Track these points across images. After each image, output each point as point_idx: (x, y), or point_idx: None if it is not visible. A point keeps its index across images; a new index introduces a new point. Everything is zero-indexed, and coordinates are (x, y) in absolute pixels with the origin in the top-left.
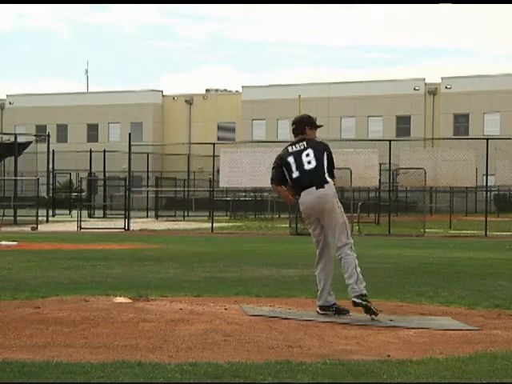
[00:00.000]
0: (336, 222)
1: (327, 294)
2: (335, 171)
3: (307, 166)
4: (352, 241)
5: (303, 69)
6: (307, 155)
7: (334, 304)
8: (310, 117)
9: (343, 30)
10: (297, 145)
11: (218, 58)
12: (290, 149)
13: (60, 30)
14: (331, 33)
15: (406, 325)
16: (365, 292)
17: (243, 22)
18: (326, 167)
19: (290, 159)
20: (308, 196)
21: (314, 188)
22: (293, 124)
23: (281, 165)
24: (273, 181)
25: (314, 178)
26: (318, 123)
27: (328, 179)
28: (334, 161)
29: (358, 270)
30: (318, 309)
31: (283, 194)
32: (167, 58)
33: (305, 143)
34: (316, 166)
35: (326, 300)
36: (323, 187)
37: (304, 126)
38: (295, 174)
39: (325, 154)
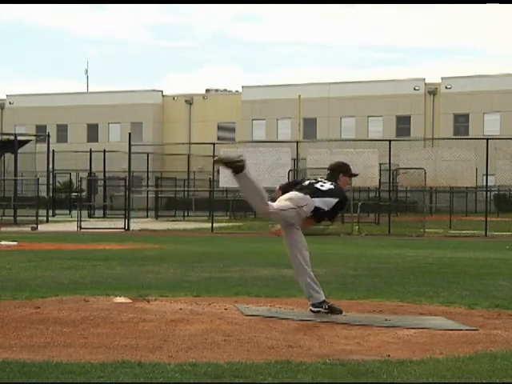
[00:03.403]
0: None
1: (313, 291)
2: None
3: (317, 186)
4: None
5: (304, 69)
6: (325, 185)
7: (325, 300)
8: (345, 164)
9: (343, 30)
10: (324, 180)
11: (219, 57)
12: (318, 178)
13: (60, 30)
14: (331, 33)
15: (401, 324)
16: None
17: (244, 21)
18: (324, 198)
19: (312, 180)
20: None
21: (301, 193)
22: (328, 169)
23: (299, 181)
24: (279, 186)
25: (310, 192)
26: (353, 172)
27: (315, 200)
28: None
29: None
30: (310, 307)
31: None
32: (168, 57)
33: (334, 183)
34: (321, 190)
35: (315, 298)
36: (306, 195)
37: (339, 172)
38: (303, 183)
39: (338, 199)
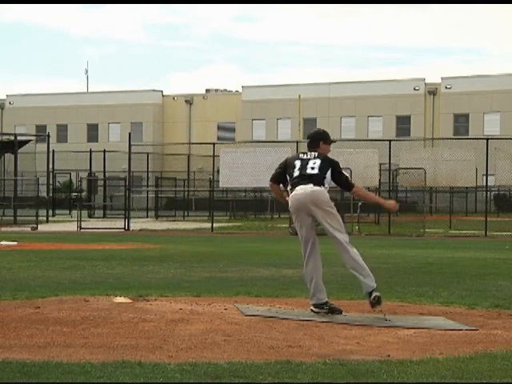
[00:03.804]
0: (333, 214)
1: (319, 291)
2: None
3: (309, 171)
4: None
5: (304, 69)
6: (314, 163)
7: (327, 302)
8: (325, 132)
9: (343, 30)
10: (308, 154)
11: (219, 57)
12: (300, 155)
13: (60, 30)
14: (331, 33)
15: (401, 324)
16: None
17: (244, 21)
18: (326, 179)
19: (297, 162)
20: (302, 190)
21: (311, 185)
22: (308, 138)
23: (284, 167)
24: (271, 179)
25: (312, 180)
26: (332, 138)
27: (324, 186)
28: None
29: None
30: (311, 307)
31: (276, 192)
32: (168, 57)
33: (315, 154)
34: (317, 174)
35: (319, 298)
36: (319, 186)
37: (318, 140)
38: (296, 173)
39: (330, 168)
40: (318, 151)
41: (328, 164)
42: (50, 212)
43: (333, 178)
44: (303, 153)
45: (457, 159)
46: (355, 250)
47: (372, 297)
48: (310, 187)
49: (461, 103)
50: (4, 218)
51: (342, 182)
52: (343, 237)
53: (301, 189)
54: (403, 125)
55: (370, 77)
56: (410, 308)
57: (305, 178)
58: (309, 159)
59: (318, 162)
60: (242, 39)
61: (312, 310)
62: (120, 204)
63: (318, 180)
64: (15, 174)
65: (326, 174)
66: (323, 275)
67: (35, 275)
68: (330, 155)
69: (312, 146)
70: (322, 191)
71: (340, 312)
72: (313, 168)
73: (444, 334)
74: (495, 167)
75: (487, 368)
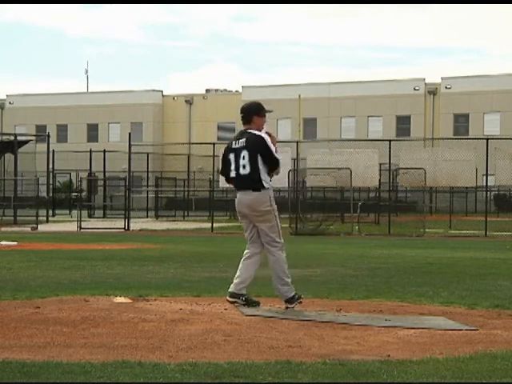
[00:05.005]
0: (269, 223)
1: (241, 283)
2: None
3: (242, 171)
4: (282, 241)
5: (304, 69)
6: (243, 158)
7: (244, 294)
8: (258, 104)
9: (343, 30)
10: (239, 141)
11: (219, 57)
12: (233, 143)
13: (60, 30)
14: (331, 33)
15: (401, 324)
16: (292, 295)
17: (244, 21)
18: (260, 170)
19: (231, 156)
20: (244, 196)
21: (251, 190)
22: (241, 113)
23: (225, 162)
24: (226, 177)
25: (249, 184)
26: (268, 109)
27: (265, 184)
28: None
29: (286, 271)
30: (227, 296)
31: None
32: (168, 57)
33: (244, 141)
34: (250, 173)
35: (238, 288)
36: (259, 191)
37: (252, 114)
38: (233, 174)
39: (259, 156)
40: (252, 127)
41: (255, 152)
42: (50, 212)
43: (264, 162)
44: (236, 138)
45: (457, 159)
46: (284, 256)
47: (285, 306)
48: (248, 195)
49: (461, 103)
50: (4, 217)
51: (272, 164)
52: (276, 243)
53: (241, 194)
54: (403, 125)
55: (370, 77)
56: (409, 308)
57: (241, 182)
58: (240, 150)
59: (247, 155)
60: (241, 39)
61: (227, 300)
62: (120, 204)
63: (254, 183)
64: (15, 174)
65: (258, 169)
66: (323, 275)
67: (35, 275)
68: (328, 151)
69: (246, 122)
70: (258, 198)
71: (258, 304)
72: (244, 166)
73: (444, 334)
74: (495, 167)
75: (487, 368)
